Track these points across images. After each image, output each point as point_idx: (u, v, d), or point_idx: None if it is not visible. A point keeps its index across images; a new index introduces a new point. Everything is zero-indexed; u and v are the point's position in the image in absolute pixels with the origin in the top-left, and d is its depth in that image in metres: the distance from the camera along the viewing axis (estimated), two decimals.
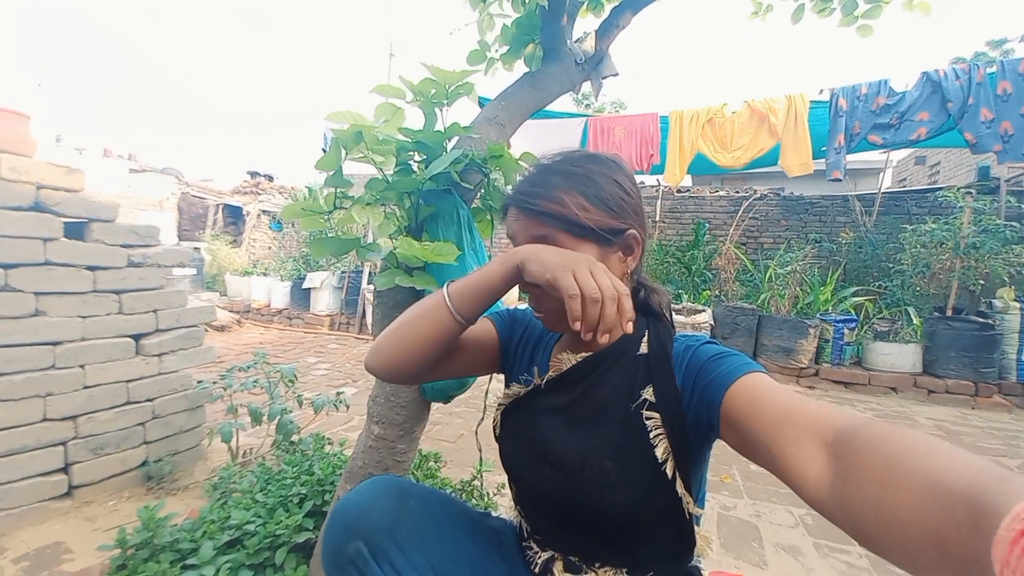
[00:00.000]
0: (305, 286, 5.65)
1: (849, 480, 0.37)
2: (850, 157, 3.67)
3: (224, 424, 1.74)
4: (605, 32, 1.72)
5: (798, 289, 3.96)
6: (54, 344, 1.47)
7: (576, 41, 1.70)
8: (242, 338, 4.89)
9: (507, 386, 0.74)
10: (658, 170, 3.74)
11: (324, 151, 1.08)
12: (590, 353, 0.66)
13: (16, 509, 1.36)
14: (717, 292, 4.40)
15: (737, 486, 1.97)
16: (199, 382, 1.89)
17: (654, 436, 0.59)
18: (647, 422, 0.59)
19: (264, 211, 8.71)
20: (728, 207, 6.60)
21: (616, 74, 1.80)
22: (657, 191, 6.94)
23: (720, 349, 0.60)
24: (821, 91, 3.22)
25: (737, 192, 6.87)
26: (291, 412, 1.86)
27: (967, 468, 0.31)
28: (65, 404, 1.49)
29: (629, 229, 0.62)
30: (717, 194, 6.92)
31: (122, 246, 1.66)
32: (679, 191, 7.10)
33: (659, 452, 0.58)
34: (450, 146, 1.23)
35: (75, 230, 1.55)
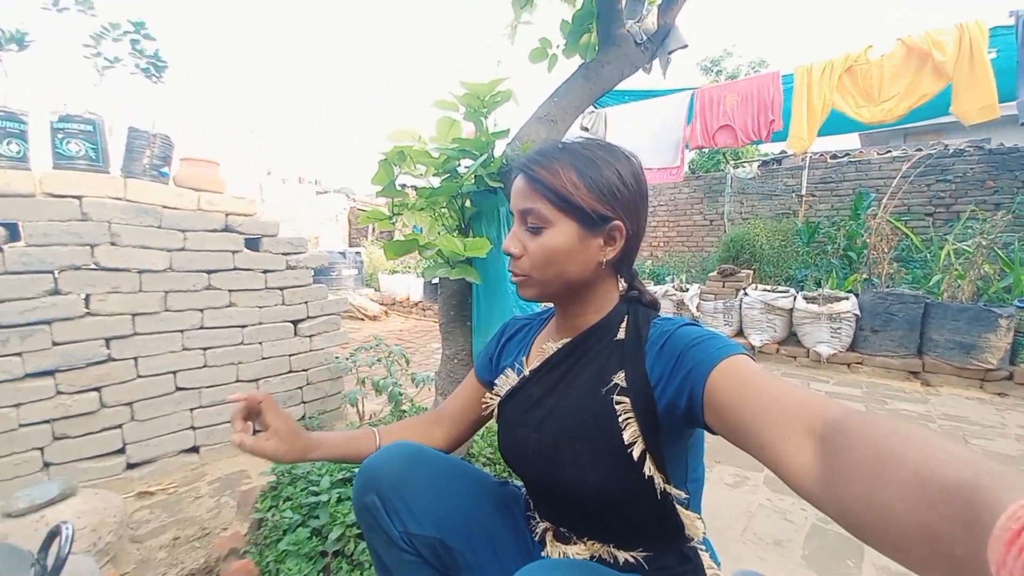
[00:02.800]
0: (433, 282, 6.39)
1: (840, 471, 0.36)
2: None
3: (351, 392, 2.17)
4: (668, 5, 1.65)
5: (987, 268, 3.04)
6: (241, 327, 2.03)
7: (636, 21, 1.66)
8: (387, 326, 5.77)
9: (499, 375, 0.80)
10: (780, 137, 3.24)
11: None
12: (569, 339, 0.70)
13: (217, 445, 1.94)
14: (866, 275, 3.60)
15: None
16: (336, 358, 2.38)
17: (623, 420, 0.60)
18: (617, 406, 0.61)
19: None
20: (904, 169, 5.33)
21: (686, 46, 1.71)
22: (804, 160, 5.95)
23: (699, 332, 0.59)
24: (1011, 14, 2.40)
25: (919, 149, 5.48)
26: (401, 387, 2.22)
27: (961, 461, 0.30)
28: (250, 369, 2.06)
29: (615, 220, 0.63)
30: (888, 155, 5.62)
31: (283, 254, 2.19)
32: (834, 156, 5.97)
33: (627, 435, 0.59)
34: (498, 150, 1.36)
35: (252, 243, 2.11)
